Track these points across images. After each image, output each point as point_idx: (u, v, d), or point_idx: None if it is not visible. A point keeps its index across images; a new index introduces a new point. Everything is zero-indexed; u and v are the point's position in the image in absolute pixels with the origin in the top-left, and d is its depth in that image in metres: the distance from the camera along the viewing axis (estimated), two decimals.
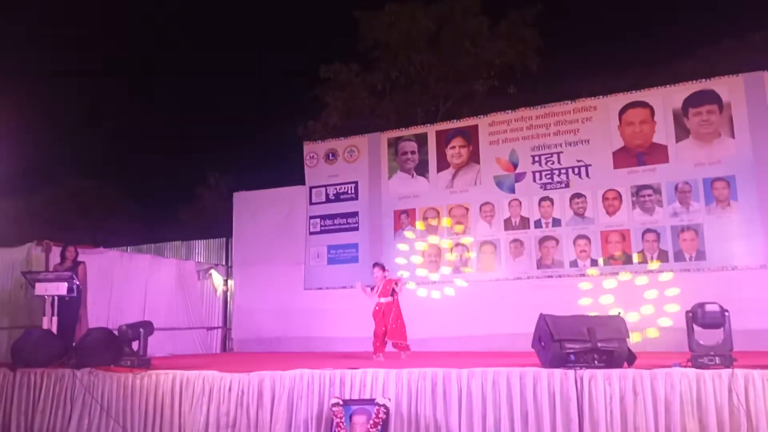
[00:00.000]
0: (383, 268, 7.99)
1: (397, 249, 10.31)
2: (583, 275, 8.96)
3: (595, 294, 8.71)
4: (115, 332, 6.55)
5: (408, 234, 10.34)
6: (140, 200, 19.78)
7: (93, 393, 5.99)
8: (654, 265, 8.62)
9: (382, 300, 7.72)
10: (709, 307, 4.78)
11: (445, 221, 10.11)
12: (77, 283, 7.38)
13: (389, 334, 7.59)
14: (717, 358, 4.55)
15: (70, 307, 7.51)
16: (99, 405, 5.95)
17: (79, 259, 8.14)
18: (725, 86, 8.69)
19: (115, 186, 20.35)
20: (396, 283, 7.88)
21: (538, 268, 9.37)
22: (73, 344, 6.85)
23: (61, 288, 7.17)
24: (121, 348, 6.25)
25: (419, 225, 10.33)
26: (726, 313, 4.75)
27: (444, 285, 9.90)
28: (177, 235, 13.18)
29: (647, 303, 8.42)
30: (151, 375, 5.87)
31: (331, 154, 11.20)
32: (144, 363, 6.11)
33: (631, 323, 7.68)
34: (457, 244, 9.98)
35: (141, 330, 6.25)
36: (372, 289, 7.90)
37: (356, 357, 7.63)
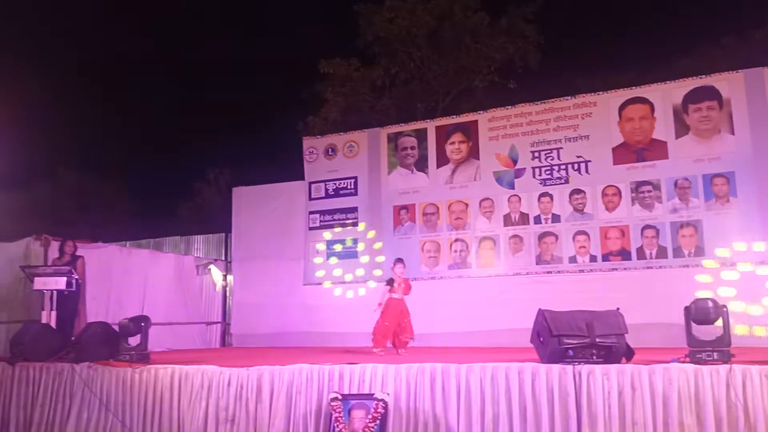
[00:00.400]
0: (404, 265, 7.92)
1: (396, 244, 10.30)
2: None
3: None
4: (114, 327, 6.56)
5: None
6: (139, 195, 19.78)
7: (92, 387, 5.99)
8: None
9: (396, 296, 7.61)
10: (707, 303, 4.79)
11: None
12: (76, 277, 7.38)
13: (405, 331, 7.52)
14: (715, 353, 4.56)
15: (69, 302, 7.51)
16: (98, 399, 5.95)
17: (78, 253, 8.14)
18: (725, 82, 8.68)
19: (115, 181, 20.34)
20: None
21: (537, 263, 9.38)
22: (72, 339, 6.85)
23: (60, 282, 7.17)
24: (120, 342, 6.25)
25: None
26: (724, 309, 4.75)
27: (444, 281, 9.90)
28: (176, 231, 13.18)
29: None
30: (150, 369, 5.87)
31: (330, 150, 11.19)
32: (143, 357, 6.12)
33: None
34: (456, 240, 9.99)
35: (140, 324, 6.25)
36: (391, 285, 7.66)
37: (356, 352, 7.63)
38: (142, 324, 6.30)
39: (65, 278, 7.19)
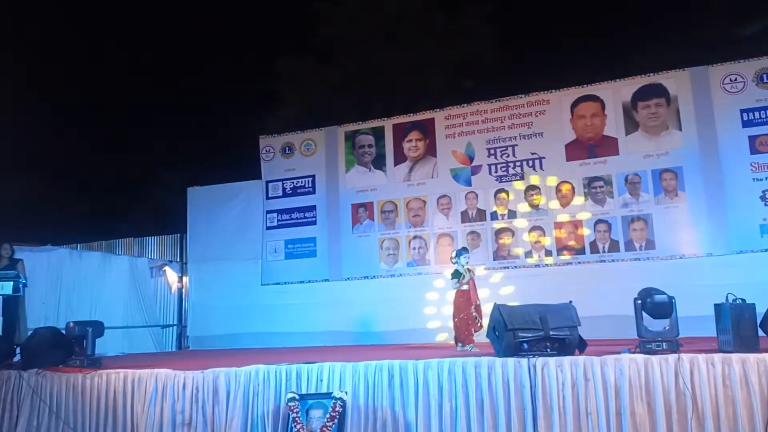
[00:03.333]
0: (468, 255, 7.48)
1: (355, 242, 10.30)
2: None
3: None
4: (64, 331, 6.37)
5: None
6: (90, 197, 19.21)
7: (41, 394, 5.82)
8: None
9: (465, 288, 7.21)
10: (656, 295, 4.91)
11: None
12: (24, 281, 7.17)
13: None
14: (664, 343, 4.69)
15: (12, 307, 7.29)
16: (47, 407, 5.78)
17: (17, 256, 7.87)
18: (672, 80, 8.94)
19: (64, 183, 19.72)
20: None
21: (494, 259, 9.49)
22: (16, 344, 6.64)
23: (6, 287, 6.97)
24: (70, 347, 6.08)
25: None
26: (672, 300, 4.88)
27: (403, 278, 9.92)
28: (129, 232, 12.87)
29: None
30: (102, 375, 5.73)
31: (287, 148, 11.10)
32: (94, 362, 5.96)
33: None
34: (415, 237, 10.03)
35: (89, 329, 6.08)
36: (461, 279, 7.19)
37: (314, 352, 7.59)
38: (93, 328, 6.14)
39: (12, 283, 6.99)
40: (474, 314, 7.09)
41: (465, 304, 7.12)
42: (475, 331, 7.04)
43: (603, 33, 14.38)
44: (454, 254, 7.40)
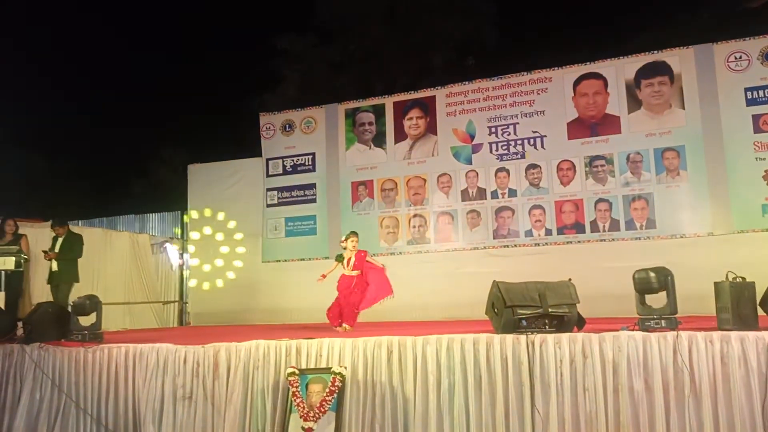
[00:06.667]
0: (353, 238, 7.44)
1: (355, 220, 10.30)
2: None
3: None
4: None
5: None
6: (91, 173, 19.23)
7: (43, 368, 5.87)
8: None
9: (354, 273, 7.34)
10: (655, 273, 4.91)
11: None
12: (25, 257, 7.20)
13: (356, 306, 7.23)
14: (663, 321, 4.69)
15: (14, 282, 7.33)
16: (50, 380, 5.83)
17: (21, 232, 7.90)
18: (676, 58, 8.85)
19: (66, 160, 19.72)
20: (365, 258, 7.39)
21: (494, 238, 9.49)
22: (18, 319, 6.70)
23: (9, 263, 7.01)
24: (72, 322, 6.11)
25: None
26: (671, 278, 4.88)
27: (403, 256, 9.93)
28: (130, 209, 12.89)
29: None
30: (104, 349, 5.78)
31: (287, 126, 11.05)
32: (96, 337, 6.01)
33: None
34: (415, 215, 10.02)
35: (92, 304, 6.11)
36: (347, 261, 7.36)
37: (314, 328, 7.62)
38: (95, 303, 6.17)
39: (14, 258, 7.03)
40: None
41: (344, 289, 7.21)
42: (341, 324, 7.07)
43: (607, 10, 14.24)
44: (343, 237, 7.49)
